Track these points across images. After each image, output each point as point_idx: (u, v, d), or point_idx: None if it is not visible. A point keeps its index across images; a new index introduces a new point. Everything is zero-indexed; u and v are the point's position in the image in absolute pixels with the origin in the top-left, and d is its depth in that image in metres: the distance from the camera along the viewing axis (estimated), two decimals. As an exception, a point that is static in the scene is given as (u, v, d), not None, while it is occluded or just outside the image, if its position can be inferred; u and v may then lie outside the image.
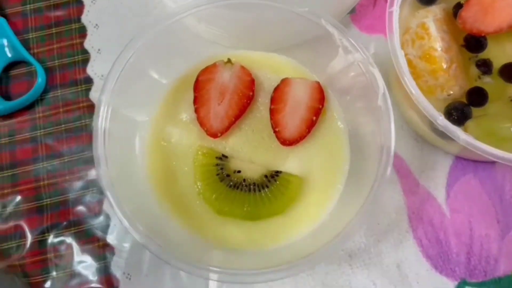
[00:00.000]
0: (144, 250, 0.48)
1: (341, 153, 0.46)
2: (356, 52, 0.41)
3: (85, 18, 0.55)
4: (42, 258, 0.49)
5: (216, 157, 0.45)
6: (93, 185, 0.50)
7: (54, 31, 0.55)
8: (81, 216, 0.50)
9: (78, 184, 0.51)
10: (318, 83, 0.46)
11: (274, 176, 0.45)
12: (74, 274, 0.48)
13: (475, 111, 0.43)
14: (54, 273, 0.48)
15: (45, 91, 0.53)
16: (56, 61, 0.54)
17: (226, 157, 0.45)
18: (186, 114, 0.47)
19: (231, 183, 0.45)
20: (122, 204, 0.40)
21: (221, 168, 0.45)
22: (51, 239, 0.49)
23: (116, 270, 0.48)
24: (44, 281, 0.48)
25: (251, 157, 0.46)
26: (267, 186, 0.44)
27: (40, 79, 0.52)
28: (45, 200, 0.50)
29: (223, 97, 0.45)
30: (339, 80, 0.46)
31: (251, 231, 0.45)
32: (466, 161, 0.51)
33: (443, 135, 0.42)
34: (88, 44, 0.54)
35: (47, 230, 0.50)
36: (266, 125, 0.46)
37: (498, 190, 0.50)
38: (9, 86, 0.53)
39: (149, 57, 0.45)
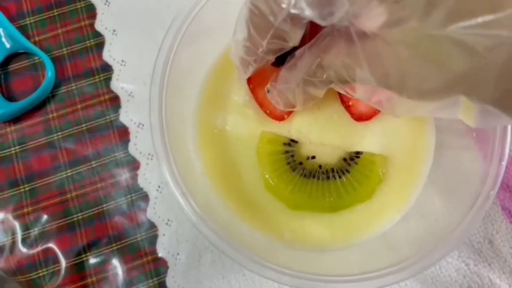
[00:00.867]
0: (203, 260, 0.42)
1: (424, 123, 0.40)
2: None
3: (91, -6, 0.46)
4: (82, 283, 0.41)
5: (284, 144, 0.38)
6: (131, 191, 0.43)
7: (56, 13, 0.45)
8: (122, 229, 0.42)
9: (112, 192, 0.43)
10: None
11: (354, 158, 0.38)
12: (123, 298, 0.41)
13: None
14: (99, 300, 0.41)
15: (56, 86, 0.44)
16: (64, 49, 0.45)
17: (296, 142, 0.39)
18: (238, 96, 0.40)
19: (305, 172, 0.38)
20: (189, 200, 0.33)
21: (292, 156, 0.38)
22: (90, 260, 0.42)
23: (174, 286, 0.41)
24: (90, 311, 0.41)
25: (321, 139, 0.39)
26: (348, 171, 0.38)
27: (50, 73, 0.43)
28: (75, 216, 0.42)
29: (283, 71, 0.38)
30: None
31: (334, 224, 0.38)
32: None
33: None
34: (100, 25, 0.45)
35: (84, 251, 0.42)
36: (333, 100, 0.40)
37: None
38: (10, 84, 0.44)
39: (190, 39, 0.37)
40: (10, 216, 0.42)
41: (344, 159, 0.38)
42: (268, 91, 0.36)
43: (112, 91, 0.44)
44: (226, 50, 0.41)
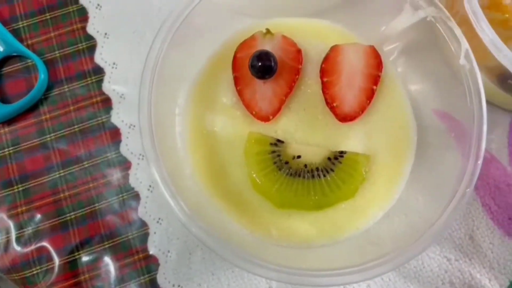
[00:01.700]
0: (193, 257, 0.43)
1: (406, 123, 0.41)
2: (429, 6, 0.36)
3: (83, -2, 0.47)
4: (75, 281, 0.42)
5: (271, 144, 0.40)
6: (123, 190, 0.44)
7: (48, 17, 0.47)
8: (114, 228, 0.43)
9: (104, 191, 0.44)
10: (372, 47, 0.41)
11: (338, 157, 0.40)
12: (116, 294, 0.42)
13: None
14: (92, 296, 0.42)
15: (49, 88, 0.45)
16: (57, 52, 0.46)
17: (282, 142, 0.40)
18: (226, 98, 0.41)
19: (291, 171, 0.39)
20: (179, 200, 0.34)
21: (278, 155, 0.39)
22: (83, 258, 0.43)
23: (164, 283, 0.42)
24: (83, 307, 0.42)
25: (307, 139, 0.41)
26: (332, 170, 0.39)
27: (43, 75, 0.44)
28: (68, 215, 0.43)
29: (268, 74, 0.39)
30: (397, 41, 0.41)
31: (320, 222, 0.40)
32: (525, 117, 0.47)
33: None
34: (91, 28, 0.46)
35: (77, 249, 0.43)
36: (318, 101, 0.41)
37: None
38: (4, 86, 0.45)
39: (180, 41, 0.38)
40: (4, 216, 0.43)
41: (329, 159, 0.40)
42: None
43: (103, 93, 0.45)
44: (215, 53, 0.42)
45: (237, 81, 0.40)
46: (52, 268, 0.42)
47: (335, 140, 0.41)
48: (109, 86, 0.45)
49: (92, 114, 0.45)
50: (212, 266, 0.43)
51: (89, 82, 0.45)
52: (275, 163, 0.39)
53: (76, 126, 0.45)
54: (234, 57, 0.40)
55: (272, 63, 0.38)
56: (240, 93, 0.40)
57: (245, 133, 0.40)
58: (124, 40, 0.46)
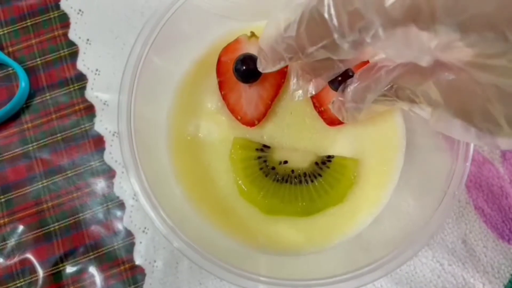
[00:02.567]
0: (180, 267, 0.42)
1: (395, 126, 0.40)
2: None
3: (64, 4, 0.46)
4: (60, 293, 0.41)
5: (257, 149, 0.39)
6: (107, 200, 0.43)
7: (29, 23, 0.46)
8: (99, 238, 0.42)
9: (88, 201, 0.43)
10: (358, 50, 0.40)
11: (325, 162, 0.39)
12: (101, 306, 0.41)
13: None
14: (77, 309, 0.41)
15: (31, 96, 0.44)
16: (38, 59, 0.45)
17: (268, 147, 0.39)
18: (211, 103, 0.40)
19: (278, 177, 0.38)
20: (160, 212, 0.33)
21: (264, 161, 0.38)
22: (67, 269, 0.42)
23: (151, 293, 0.41)
24: (68, 320, 0.41)
25: (294, 144, 0.40)
26: (320, 175, 0.38)
27: (24, 83, 0.43)
28: (52, 226, 0.42)
29: (254, 78, 0.38)
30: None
31: (308, 228, 0.39)
32: (518, 117, 0.46)
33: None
34: (73, 34, 0.45)
35: (61, 260, 0.42)
36: (305, 105, 0.40)
37: (556, 144, 0.46)
38: (-16, 96, 0.44)
39: (161, 45, 0.37)
40: (-14, 228, 0.42)
41: (316, 163, 0.39)
42: (333, 103, 0.35)
43: (86, 100, 0.44)
44: (199, 57, 0.41)
45: (221, 85, 0.39)
46: (36, 281, 0.41)
47: (323, 144, 0.40)
48: (92, 93, 0.44)
49: (75, 122, 0.44)
50: (199, 275, 0.42)
51: (72, 89, 0.44)
52: (261, 169, 0.38)
53: (59, 135, 0.44)
54: (218, 61, 0.39)
55: (257, 67, 0.37)
56: (224, 97, 0.39)
57: (231, 139, 0.39)
58: (106, 46, 0.45)
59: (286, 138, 0.40)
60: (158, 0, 0.46)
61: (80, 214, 0.43)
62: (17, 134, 0.44)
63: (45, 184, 0.43)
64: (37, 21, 0.46)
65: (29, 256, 0.42)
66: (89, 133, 0.44)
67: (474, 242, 0.44)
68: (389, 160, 0.40)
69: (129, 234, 0.42)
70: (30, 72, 0.45)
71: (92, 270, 0.42)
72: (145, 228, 0.42)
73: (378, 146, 0.40)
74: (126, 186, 0.43)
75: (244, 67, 0.37)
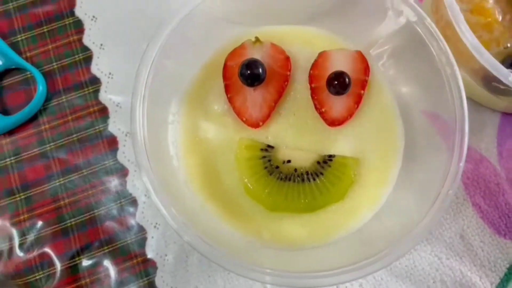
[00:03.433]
0: (190, 260, 0.44)
1: (393, 126, 0.42)
2: (410, 11, 0.37)
3: (79, 11, 0.48)
4: (76, 285, 0.44)
5: (261, 149, 0.41)
6: (121, 197, 0.45)
7: (45, 30, 0.48)
8: (113, 233, 0.45)
9: (103, 198, 0.45)
10: (359, 52, 0.42)
11: (327, 161, 0.41)
12: (116, 297, 0.44)
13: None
14: (93, 300, 0.44)
15: (48, 99, 0.47)
16: (55, 64, 0.47)
17: (272, 147, 0.41)
18: (218, 105, 0.42)
19: (282, 175, 0.40)
20: (171, 208, 0.35)
21: (269, 160, 0.41)
22: (83, 263, 0.44)
23: (162, 286, 0.44)
24: (84, 310, 0.43)
25: (297, 144, 0.42)
26: (322, 174, 0.40)
27: (41, 87, 0.46)
28: (69, 221, 0.45)
29: (258, 81, 0.40)
30: (383, 46, 0.42)
31: (311, 224, 0.41)
32: (514, 116, 0.48)
33: (498, 91, 0.39)
34: (87, 39, 0.48)
35: (77, 254, 0.44)
36: (308, 106, 0.42)
37: (552, 142, 0.47)
38: (4, 98, 0.47)
39: (171, 50, 0.39)
40: (7, 223, 0.45)
41: (318, 162, 0.41)
42: None
43: (100, 103, 0.47)
44: (206, 62, 0.43)
45: (227, 88, 0.41)
46: (54, 273, 0.44)
47: (324, 144, 0.42)
48: (106, 96, 0.46)
49: (89, 123, 0.46)
50: (208, 268, 0.44)
51: (86, 92, 0.47)
52: (265, 168, 0.40)
53: (74, 135, 0.46)
54: (225, 66, 0.41)
55: (260, 71, 0.39)
56: (230, 100, 0.41)
57: (237, 139, 0.41)
58: (119, 51, 0.47)
59: (290, 138, 0.42)
60: (168, 6, 0.48)
61: (95, 211, 0.45)
62: (35, 135, 0.46)
63: (62, 182, 0.45)
64: (53, 27, 0.48)
65: (48, 250, 0.44)
66: (103, 134, 0.46)
67: (472, 237, 0.46)
68: (388, 159, 0.42)
69: (141, 229, 0.45)
70: (47, 76, 0.47)
71: (107, 263, 0.44)
72: (156, 223, 0.45)
73: (378, 145, 0.42)
74: (139, 184, 0.45)
75: (248, 72, 0.39)
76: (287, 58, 0.42)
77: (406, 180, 0.41)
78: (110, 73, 0.47)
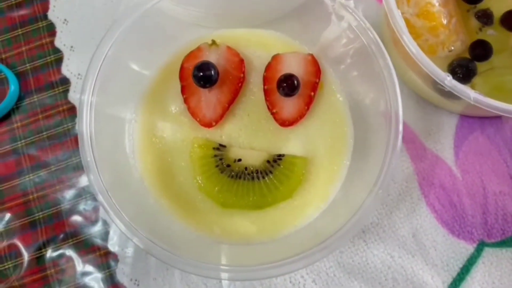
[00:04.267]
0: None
1: (344, 127, 0.44)
2: (350, 16, 0.38)
3: (52, 14, 0.51)
4: (42, 275, 0.46)
5: (214, 148, 0.42)
6: (86, 192, 0.47)
7: (20, 32, 0.51)
8: (78, 226, 0.47)
9: (69, 193, 0.48)
10: (311, 55, 0.43)
11: (277, 160, 0.42)
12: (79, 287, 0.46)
13: (480, 66, 0.41)
14: (57, 289, 0.46)
15: (20, 99, 0.49)
16: (28, 65, 0.50)
17: (224, 146, 0.43)
18: (175, 105, 0.44)
19: (233, 173, 0.42)
20: (119, 210, 0.37)
21: (220, 159, 0.42)
22: (49, 254, 0.47)
23: (123, 277, 0.46)
24: (48, 299, 0.46)
25: (250, 143, 0.43)
26: (271, 172, 0.42)
27: (13, 87, 0.48)
28: (36, 214, 0.47)
29: (213, 83, 0.42)
30: (333, 49, 0.43)
31: (260, 221, 0.42)
32: (472, 119, 0.48)
33: (448, 94, 0.40)
34: (59, 42, 0.50)
35: (44, 245, 0.47)
36: (262, 107, 0.43)
37: (508, 144, 0.48)
38: (-21, 98, 0.49)
39: (128, 49, 0.42)
40: (-22, 216, 0.47)
41: (268, 161, 0.42)
42: None
43: (69, 102, 0.49)
44: (165, 62, 0.45)
45: (184, 89, 0.43)
46: (22, 263, 0.46)
47: (277, 143, 0.43)
48: (75, 96, 0.49)
49: (59, 122, 0.49)
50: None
51: (57, 92, 0.49)
52: (217, 166, 0.42)
53: (44, 133, 0.49)
54: (181, 67, 0.43)
55: (212, 73, 0.41)
56: (186, 101, 0.43)
57: (192, 139, 0.43)
58: (88, 53, 0.48)
59: (243, 138, 0.43)
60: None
61: (62, 205, 0.47)
62: (7, 133, 0.49)
63: (31, 177, 0.48)
64: (27, 30, 0.51)
65: (16, 241, 0.47)
66: (71, 132, 0.49)
67: (424, 237, 0.47)
68: (337, 159, 0.43)
69: (104, 223, 0.47)
70: (20, 76, 0.50)
71: (71, 254, 0.47)
72: (118, 218, 0.47)
73: (328, 145, 0.43)
74: (102, 180, 0.47)
75: (201, 74, 0.41)
76: (241, 61, 0.43)
77: (354, 177, 0.42)
78: (79, 74, 0.49)
